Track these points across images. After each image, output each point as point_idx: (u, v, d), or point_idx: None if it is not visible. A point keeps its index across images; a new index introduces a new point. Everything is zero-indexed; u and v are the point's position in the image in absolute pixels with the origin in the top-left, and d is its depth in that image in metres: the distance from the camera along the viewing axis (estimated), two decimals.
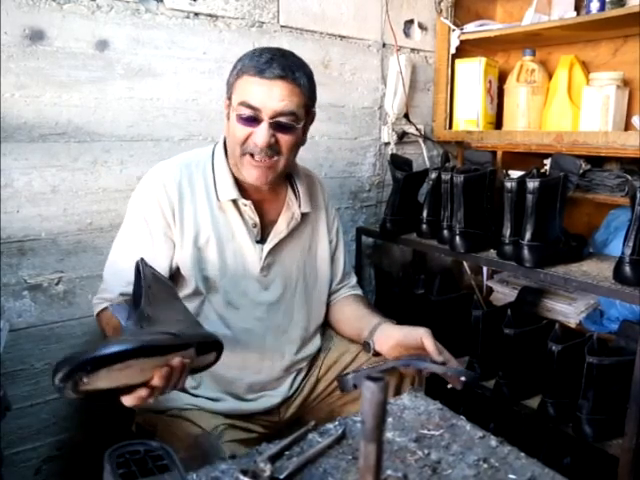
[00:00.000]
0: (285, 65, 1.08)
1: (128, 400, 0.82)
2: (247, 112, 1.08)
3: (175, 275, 1.16)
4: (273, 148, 1.10)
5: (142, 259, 1.00)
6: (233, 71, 1.14)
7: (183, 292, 1.15)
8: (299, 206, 1.24)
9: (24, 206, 1.32)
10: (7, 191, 1.29)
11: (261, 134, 1.08)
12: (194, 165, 1.18)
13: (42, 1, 1.28)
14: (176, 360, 0.82)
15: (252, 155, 1.10)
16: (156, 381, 0.81)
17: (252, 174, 1.12)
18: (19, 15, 1.25)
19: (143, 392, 0.82)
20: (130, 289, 1.03)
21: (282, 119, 1.09)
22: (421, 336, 1.13)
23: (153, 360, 0.79)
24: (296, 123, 1.11)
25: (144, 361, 0.78)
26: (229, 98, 1.15)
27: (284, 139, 1.11)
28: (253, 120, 1.08)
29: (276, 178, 1.16)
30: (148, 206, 1.14)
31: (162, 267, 1.11)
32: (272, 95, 1.07)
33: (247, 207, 1.17)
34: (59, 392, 0.74)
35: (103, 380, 0.75)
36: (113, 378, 0.76)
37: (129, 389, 0.81)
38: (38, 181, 1.33)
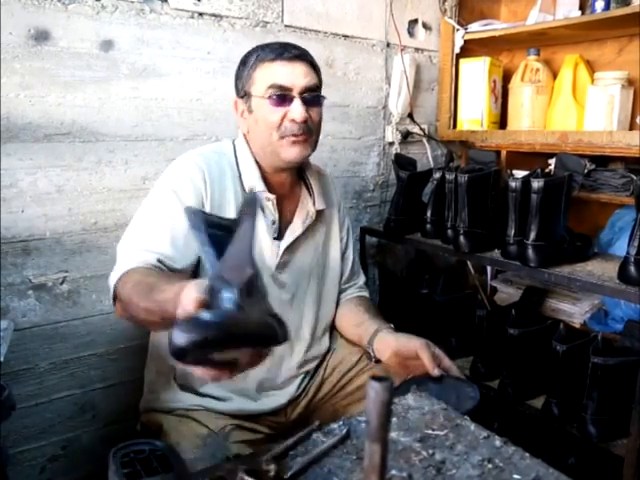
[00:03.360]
0: (298, 48, 1.16)
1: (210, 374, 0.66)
2: (278, 92, 1.11)
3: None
4: (307, 124, 1.13)
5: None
6: (246, 66, 1.16)
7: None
8: (313, 203, 1.25)
9: (29, 206, 1.32)
10: (12, 191, 1.29)
11: (297, 109, 1.11)
12: (220, 155, 1.19)
13: (47, 1, 1.28)
14: None
15: (290, 135, 1.13)
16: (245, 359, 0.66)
17: (292, 152, 1.14)
18: (24, 15, 1.25)
19: (227, 370, 0.66)
20: (166, 260, 1.04)
21: (310, 94, 1.14)
22: (417, 349, 1.14)
23: None
24: (321, 94, 1.18)
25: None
26: (244, 94, 1.16)
27: (314, 114, 1.15)
28: (284, 100, 1.12)
29: (308, 155, 1.19)
30: (180, 182, 1.11)
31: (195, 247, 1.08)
32: (296, 72, 1.12)
33: (270, 202, 1.17)
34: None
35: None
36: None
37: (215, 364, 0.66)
38: (43, 181, 1.33)
